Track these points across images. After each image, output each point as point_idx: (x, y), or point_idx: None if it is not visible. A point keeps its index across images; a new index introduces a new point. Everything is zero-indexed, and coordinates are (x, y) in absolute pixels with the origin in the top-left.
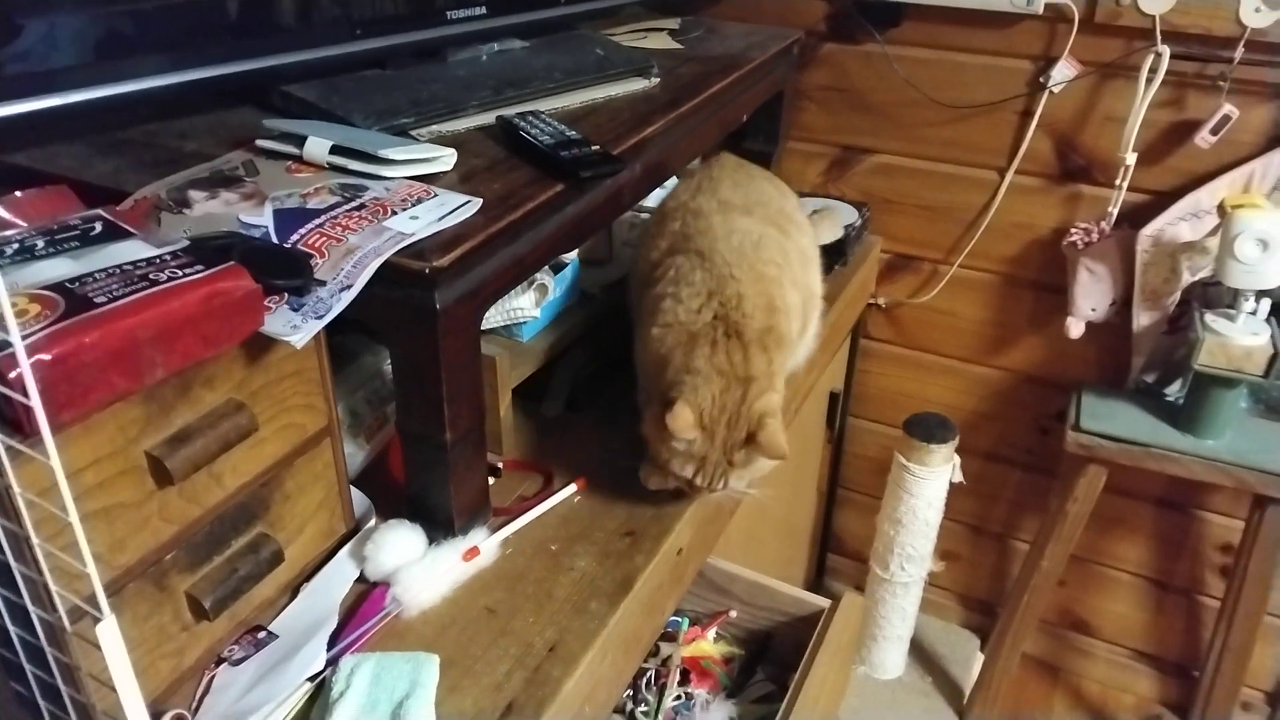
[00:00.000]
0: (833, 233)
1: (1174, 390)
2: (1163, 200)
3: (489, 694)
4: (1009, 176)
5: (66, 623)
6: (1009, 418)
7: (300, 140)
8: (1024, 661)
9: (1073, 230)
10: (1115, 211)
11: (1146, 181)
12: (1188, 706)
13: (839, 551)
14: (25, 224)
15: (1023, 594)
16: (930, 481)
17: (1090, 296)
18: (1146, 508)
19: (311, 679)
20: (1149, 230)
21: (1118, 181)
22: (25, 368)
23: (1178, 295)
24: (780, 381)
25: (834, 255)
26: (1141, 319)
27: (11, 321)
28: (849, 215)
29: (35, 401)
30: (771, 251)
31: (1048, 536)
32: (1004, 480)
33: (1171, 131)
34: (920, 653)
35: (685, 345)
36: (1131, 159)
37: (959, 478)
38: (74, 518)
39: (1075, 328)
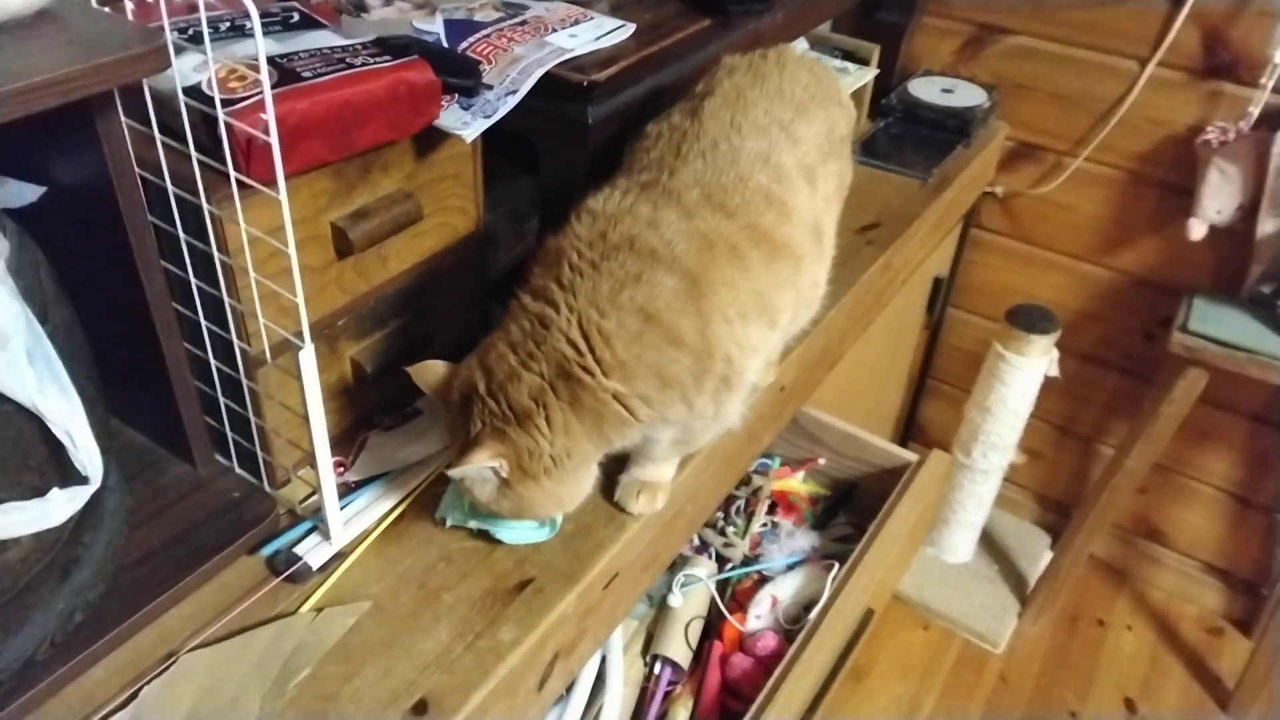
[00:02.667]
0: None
1: None
2: None
3: (608, 480)
4: (1150, 68)
5: (268, 355)
6: (1114, 320)
7: None
8: (1092, 562)
9: (1209, 128)
10: (1256, 112)
11: None
12: (1251, 623)
13: (919, 439)
14: (229, 9)
15: (1102, 491)
16: (1025, 372)
17: (1217, 198)
18: (1241, 422)
19: None
20: None
21: (1263, 81)
22: (270, 111)
23: None
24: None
25: (957, 135)
26: (1266, 225)
27: (266, 74)
28: (976, 97)
29: (274, 139)
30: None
31: (1137, 436)
32: (1099, 383)
33: None
34: (990, 543)
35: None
36: None
37: (1055, 372)
38: (291, 249)
39: (1197, 229)
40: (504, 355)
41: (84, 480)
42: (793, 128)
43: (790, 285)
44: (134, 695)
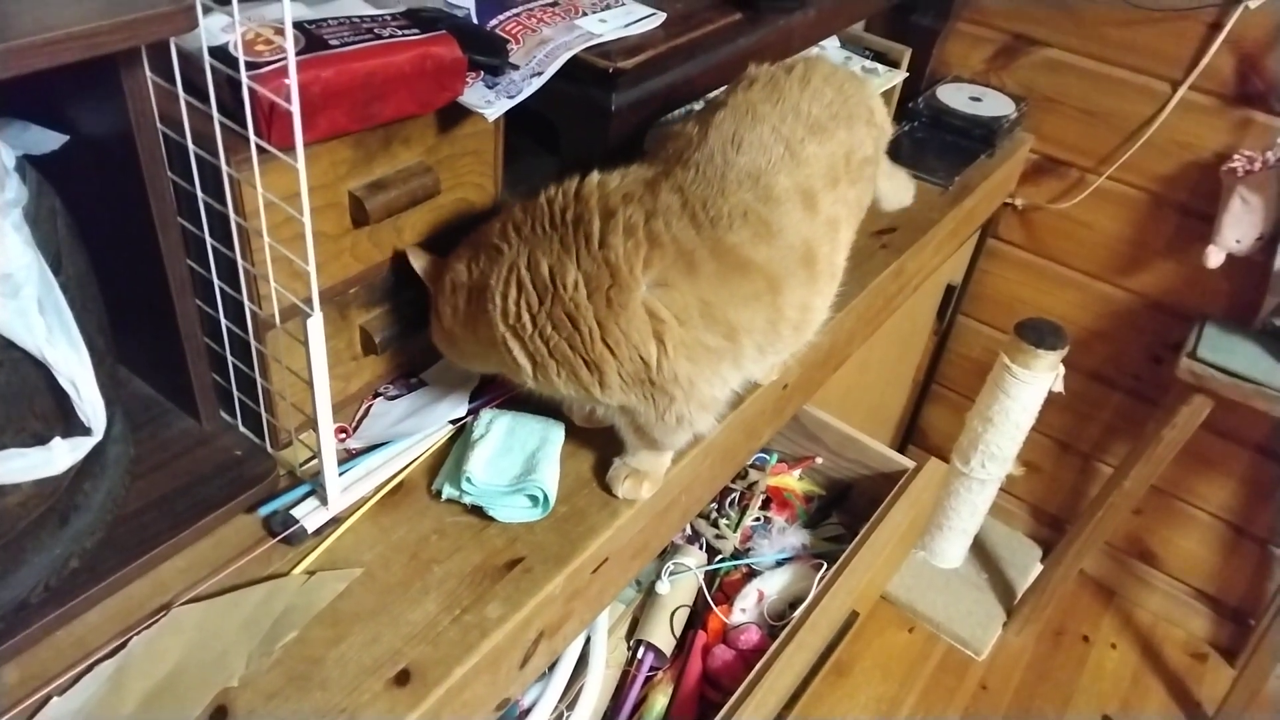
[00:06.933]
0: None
1: None
2: None
3: (604, 465)
4: (1181, 91)
5: (278, 319)
6: (1123, 340)
7: None
8: (1081, 578)
9: (1235, 156)
10: None
11: None
12: (1236, 651)
13: (920, 444)
14: None
15: (1098, 510)
16: (1030, 386)
17: (1238, 227)
18: (1243, 452)
19: (454, 422)
20: None
21: None
22: (293, 77)
23: None
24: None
25: (982, 145)
26: None
27: (291, 42)
28: (1004, 107)
29: (295, 108)
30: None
31: (1136, 458)
32: (1103, 402)
33: None
34: (981, 552)
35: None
36: None
37: (1060, 388)
38: (306, 218)
39: (1215, 257)
40: (463, 255)
41: (87, 431)
42: (801, 148)
43: (758, 304)
44: (124, 644)
